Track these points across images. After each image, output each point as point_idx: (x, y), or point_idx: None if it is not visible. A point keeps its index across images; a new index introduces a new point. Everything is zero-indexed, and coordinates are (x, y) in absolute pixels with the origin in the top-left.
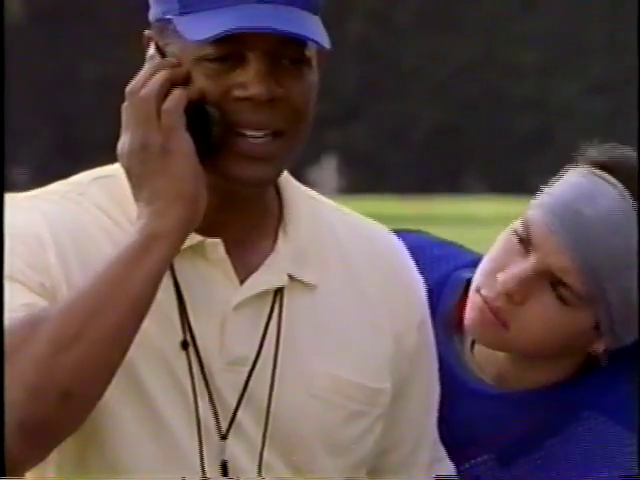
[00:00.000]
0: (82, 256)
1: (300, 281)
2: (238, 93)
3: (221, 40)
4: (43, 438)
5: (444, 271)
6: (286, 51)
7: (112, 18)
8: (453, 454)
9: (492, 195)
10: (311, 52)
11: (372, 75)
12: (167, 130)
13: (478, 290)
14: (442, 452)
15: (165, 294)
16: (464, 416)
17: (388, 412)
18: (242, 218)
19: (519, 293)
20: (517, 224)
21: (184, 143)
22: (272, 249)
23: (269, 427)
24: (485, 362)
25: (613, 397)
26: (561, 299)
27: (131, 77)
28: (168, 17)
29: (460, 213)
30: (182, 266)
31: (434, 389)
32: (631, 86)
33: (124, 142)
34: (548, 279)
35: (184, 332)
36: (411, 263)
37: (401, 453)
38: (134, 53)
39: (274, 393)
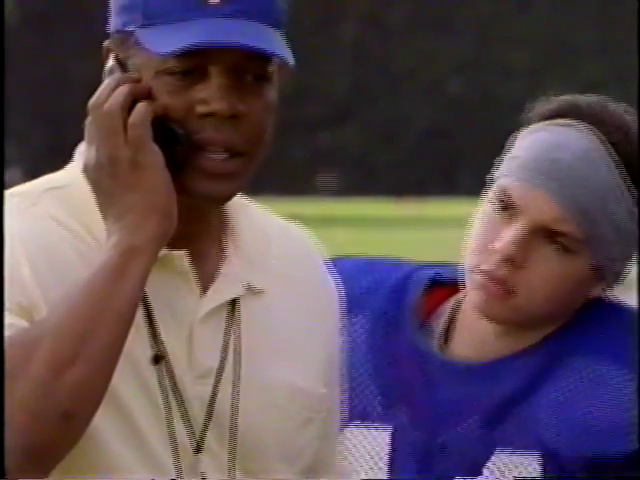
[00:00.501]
0: (53, 266)
1: (251, 287)
2: (201, 109)
3: (185, 54)
4: (46, 460)
5: (406, 270)
6: (249, 66)
7: (102, 20)
8: (440, 425)
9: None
10: (273, 68)
11: (364, 77)
12: (136, 143)
13: (476, 268)
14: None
15: None
16: (449, 393)
17: None
18: (201, 230)
19: (519, 255)
20: (491, 197)
21: (154, 156)
22: (221, 256)
23: (237, 442)
24: (464, 347)
25: (596, 338)
26: (561, 249)
27: None
28: (130, 29)
29: (453, 214)
30: (148, 279)
31: (340, 377)
32: (622, 87)
33: (90, 157)
34: (542, 234)
35: (154, 345)
36: (323, 262)
37: (321, 454)
38: None
39: (239, 406)
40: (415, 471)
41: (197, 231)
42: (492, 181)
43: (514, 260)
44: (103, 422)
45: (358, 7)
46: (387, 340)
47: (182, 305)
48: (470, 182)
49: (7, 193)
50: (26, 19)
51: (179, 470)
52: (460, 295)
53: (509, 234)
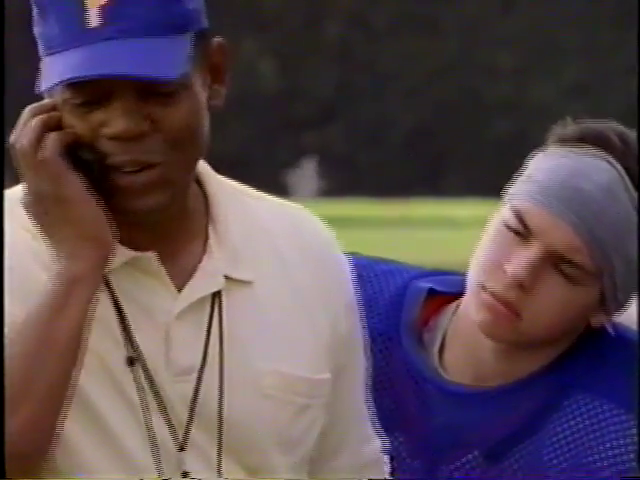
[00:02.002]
0: (16, 278)
1: (236, 280)
2: (105, 131)
3: (75, 84)
4: None
5: (399, 282)
6: (151, 84)
7: None
8: (439, 457)
9: (469, 197)
10: (187, 79)
11: (349, 77)
12: (52, 178)
13: (483, 287)
14: (371, 429)
15: (105, 310)
16: (445, 419)
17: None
18: (169, 230)
19: (529, 280)
20: (506, 216)
21: (74, 187)
22: (204, 250)
23: (223, 436)
24: (460, 365)
25: (598, 377)
26: (571, 279)
27: None
28: (42, 56)
29: (438, 215)
30: (118, 281)
31: (363, 369)
32: (607, 88)
33: (24, 193)
34: (554, 261)
35: (128, 348)
36: (336, 244)
37: (335, 435)
38: None
39: (224, 399)
40: None
41: (164, 232)
42: (506, 199)
43: (524, 285)
44: (76, 429)
45: (343, 7)
46: (382, 363)
47: (157, 305)
48: (455, 183)
49: None
50: (10, 19)
51: (160, 470)
52: (453, 307)
53: (522, 258)
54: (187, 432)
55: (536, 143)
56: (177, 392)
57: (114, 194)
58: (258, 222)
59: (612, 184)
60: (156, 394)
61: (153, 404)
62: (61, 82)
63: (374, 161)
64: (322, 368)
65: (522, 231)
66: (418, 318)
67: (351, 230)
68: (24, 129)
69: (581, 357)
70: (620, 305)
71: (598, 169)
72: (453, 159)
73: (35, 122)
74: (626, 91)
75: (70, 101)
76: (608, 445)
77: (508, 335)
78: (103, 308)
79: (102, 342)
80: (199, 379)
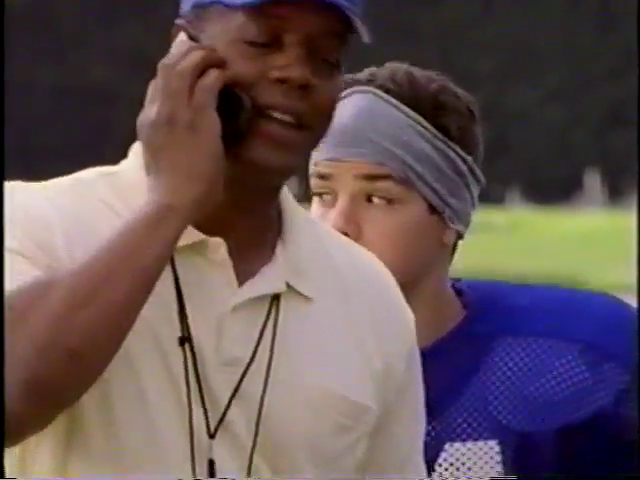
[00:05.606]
0: (88, 247)
1: (297, 291)
2: (276, 74)
3: (262, 21)
4: (48, 398)
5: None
6: (323, 44)
7: (66, 24)
8: None
9: None
10: (343, 52)
11: None
12: (198, 107)
13: None
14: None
15: (165, 287)
16: None
17: (374, 438)
18: (248, 220)
19: (350, 227)
20: (312, 185)
21: (212, 123)
22: (270, 258)
23: (260, 430)
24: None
25: (520, 320)
26: (387, 202)
27: (85, 84)
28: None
29: None
30: (182, 262)
31: (421, 419)
32: (587, 93)
33: (147, 114)
34: (362, 198)
35: (182, 328)
36: (400, 295)
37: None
38: (88, 59)
39: (266, 396)
40: None
41: (242, 221)
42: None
43: (348, 234)
44: (115, 391)
45: None
46: None
47: (215, 293)
48: None
49: (61, 179)
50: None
51: (191, 453)
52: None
53: (335, 213)
54: (221, 421)
55: (514, 148)
56: (220, 380)
57: (251, 142)
58: (324, 250)
59: (367, 103)
60: (198, 378)
61: (195, 387)
62: None
63: None
64: (366, 395)
65: (326, 189)
66: None
67: None
68: (184, 57)
69: (480, 311)
70: (457, 213)
71: (350, 102)
72: None
73: (199, 53)
74: (606, 95)
75: (245, 38)
76: (550, 374)
77: None
78: (163, 285)
79: (158, 314)
80: (244, 372)
